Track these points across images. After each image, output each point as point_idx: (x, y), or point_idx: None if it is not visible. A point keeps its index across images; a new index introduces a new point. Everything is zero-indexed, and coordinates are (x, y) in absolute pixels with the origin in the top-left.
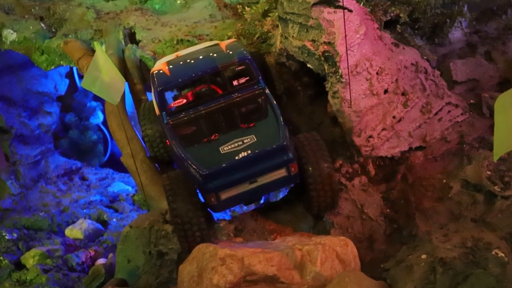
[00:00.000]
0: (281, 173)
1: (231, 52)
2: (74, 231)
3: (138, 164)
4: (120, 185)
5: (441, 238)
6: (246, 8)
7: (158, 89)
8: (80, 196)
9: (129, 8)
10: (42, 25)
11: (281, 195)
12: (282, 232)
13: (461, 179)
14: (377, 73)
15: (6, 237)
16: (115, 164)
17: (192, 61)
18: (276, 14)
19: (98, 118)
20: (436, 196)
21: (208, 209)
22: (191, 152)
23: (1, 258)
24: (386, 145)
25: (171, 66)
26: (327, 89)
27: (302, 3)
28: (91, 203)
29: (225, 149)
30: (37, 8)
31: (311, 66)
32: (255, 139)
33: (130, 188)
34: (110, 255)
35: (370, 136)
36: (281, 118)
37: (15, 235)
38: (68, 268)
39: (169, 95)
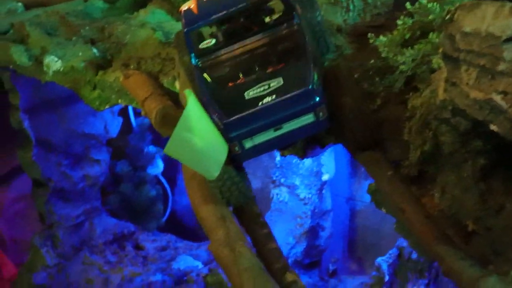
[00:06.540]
0: (309, 118)
1: None
2: None
3: (236, 257)
4: (187, 260)
5: None
6: (382, 37)
7: (186, 29)
8: (134, 273)
9: None
10: (95, 50)
11: None
12: None
13: None
14: None
15: None
16: (177, 226)
17: None
18: (426, 46)
19: (157, 167)
20: None
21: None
22: (216, 98)
23: None
24: None
25: (200, 3)
26: None
27: (486, 38)
28: (150, 285)
29: (250, 93)
30: (87, 28)
31: (497, 129)
32: (282, 83)
33: (200, 265)
34: None
35: None
36: (313, 58)
37: None
38: None
39: (197, 35)
